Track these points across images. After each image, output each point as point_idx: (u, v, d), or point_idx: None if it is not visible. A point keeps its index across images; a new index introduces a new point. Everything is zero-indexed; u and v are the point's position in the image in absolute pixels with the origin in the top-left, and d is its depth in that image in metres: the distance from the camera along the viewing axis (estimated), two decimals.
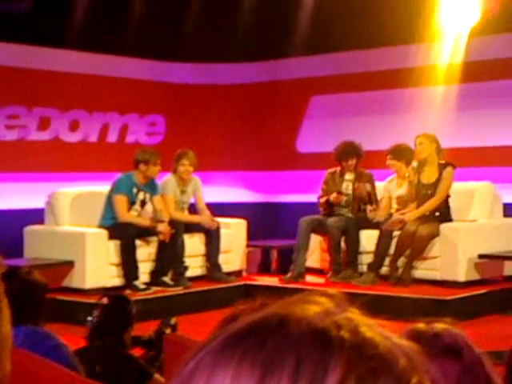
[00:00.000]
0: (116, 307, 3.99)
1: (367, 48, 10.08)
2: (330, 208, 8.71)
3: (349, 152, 8.67)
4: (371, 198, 8.53)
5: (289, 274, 8.51)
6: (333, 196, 8.60)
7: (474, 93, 9.53)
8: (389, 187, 8.66)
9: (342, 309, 0.72)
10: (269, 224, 10.25)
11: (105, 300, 4.01)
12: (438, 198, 8.07)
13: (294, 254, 8.62)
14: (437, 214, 8.09)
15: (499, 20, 9.12)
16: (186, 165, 8.55)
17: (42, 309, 3.33)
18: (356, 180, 8.68)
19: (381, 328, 0.72)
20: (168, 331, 4.60)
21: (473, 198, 8.46)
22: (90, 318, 3.93)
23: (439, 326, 1.63)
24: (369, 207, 8.45)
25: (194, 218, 8.65)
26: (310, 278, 8.69)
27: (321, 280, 8.52)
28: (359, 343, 0.68)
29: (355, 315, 0.72)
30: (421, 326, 1.63)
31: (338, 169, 8.79)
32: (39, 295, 3.33)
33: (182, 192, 8.65)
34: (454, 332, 1.62)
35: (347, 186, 8.73)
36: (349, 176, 8.74)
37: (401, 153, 8.44)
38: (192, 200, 8.81)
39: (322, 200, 8.73)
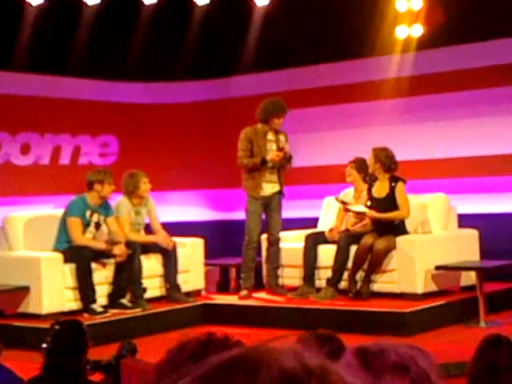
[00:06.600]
0: (67, 333, 3.88)
1: (319, 63, 10.13)
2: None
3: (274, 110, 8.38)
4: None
5: (245, 292, 8.51)
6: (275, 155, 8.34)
7: (423, 105, 9.61)
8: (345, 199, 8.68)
9: (310, 351, 0.70)
10: (226, 242, 10.20)
11: (56, 326, 3.92)
12: (402, 213, 8.05)
13: (242, 273, 8.63)
14: (392, 225, 8.11)
15: (444, 32, 9.22)
16: (147, 182, 8.51)
17: None
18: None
19: (349, 375, 0.70)
20: (127, 355, 4.51)
21: (427, 210, 8.50)
22: (44, 346, 3.84)
23: (384, 342, 1.63)
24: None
25: (150, 238, 8.58)
26: (267, 296, 8.64)
27: (279, 298, 8.49)
28: None
29: (325, 360, 0.69)
30: (366, 343, 1.63)
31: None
32: None
33: (137, 213, 8.57)
34: (399, 347, 1.61)
35: (271, 147, 8.49)
36: (271, 136, 8.50)
37: (362, 166, 8.47)
38: (147, 220, 8.74)
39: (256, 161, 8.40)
